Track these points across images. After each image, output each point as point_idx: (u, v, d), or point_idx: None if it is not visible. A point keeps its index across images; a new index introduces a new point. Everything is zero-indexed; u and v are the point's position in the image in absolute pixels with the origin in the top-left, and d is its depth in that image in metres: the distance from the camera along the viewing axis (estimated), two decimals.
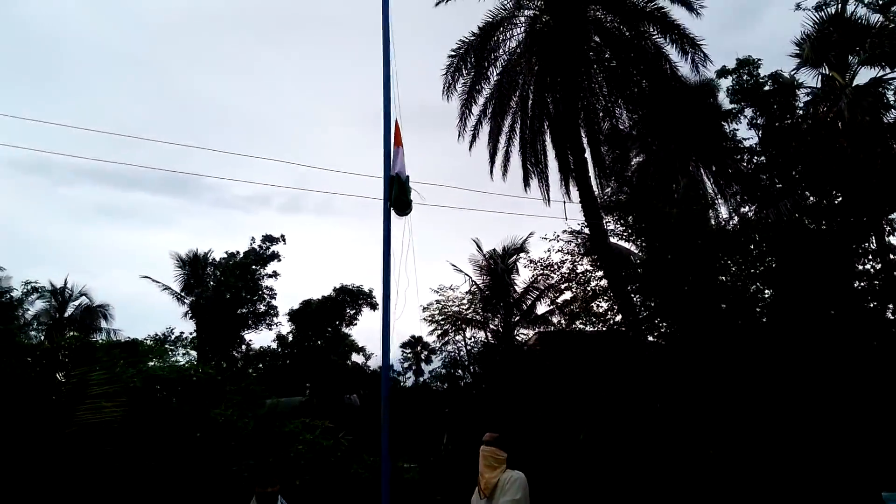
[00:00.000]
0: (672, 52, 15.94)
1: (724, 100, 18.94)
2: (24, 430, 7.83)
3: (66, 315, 28.37)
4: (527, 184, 17.37)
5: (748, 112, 17.89)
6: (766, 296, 16.05)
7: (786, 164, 16.57)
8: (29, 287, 26.03)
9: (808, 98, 16.24)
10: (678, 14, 16.00)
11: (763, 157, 18.34)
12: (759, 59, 17.26)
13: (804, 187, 16.17)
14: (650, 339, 17.81)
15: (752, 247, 16.00)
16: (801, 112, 16.68)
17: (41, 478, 7.63)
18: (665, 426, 14.68)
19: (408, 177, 6.69)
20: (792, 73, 16.64)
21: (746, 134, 23.14)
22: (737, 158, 20.43)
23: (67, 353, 9.38)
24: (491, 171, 17.57)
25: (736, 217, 18.18)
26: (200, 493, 9.16)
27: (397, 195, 6.55)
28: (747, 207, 18.23)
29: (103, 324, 29.11)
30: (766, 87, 17.14)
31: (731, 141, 19.86)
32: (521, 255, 28.72)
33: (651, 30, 16.12)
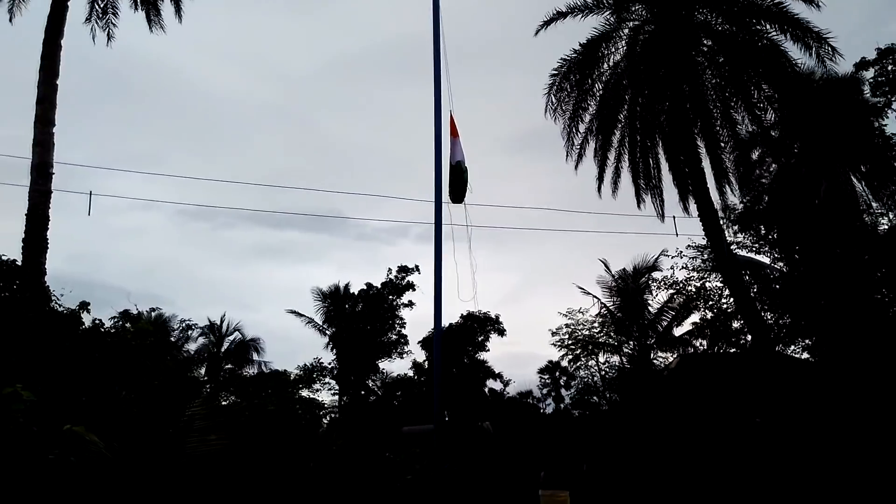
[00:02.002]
0: (793, 49, 14.67)
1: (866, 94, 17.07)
2: (151, 464, 8.48)
3: (222, 349, 30.91)
4: (639, 200, 16.60)
5: None
6: None
7: None
8: (184, 325, 28.71)
9: None
10: (797, 9, 14.75)
11: None
12: None
13: None
14: (802, 357, 16.21)
15: None
16: None
17: (163, 498, 8.24)
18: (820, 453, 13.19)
19: (466, 168, 6.84)
20: None
21: None
22: (892, 155, 18.26)
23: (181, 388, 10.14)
24: (599, 190, 16.99)
25: None
26: None
27: (461, 182, 6.69)
28: None
29: (255, 356, 31.32)
30: None
31: (880, 137, 17.80)
32: (654, 273, 27.39)
33: (767, 27, 14.93)
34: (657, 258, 26.54)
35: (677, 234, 16.98)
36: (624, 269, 29.17)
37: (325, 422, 25.78)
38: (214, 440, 8.81)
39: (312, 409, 12.57)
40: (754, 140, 15.98)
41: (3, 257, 13.39)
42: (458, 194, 6.74)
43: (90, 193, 11.38)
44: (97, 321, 15.83)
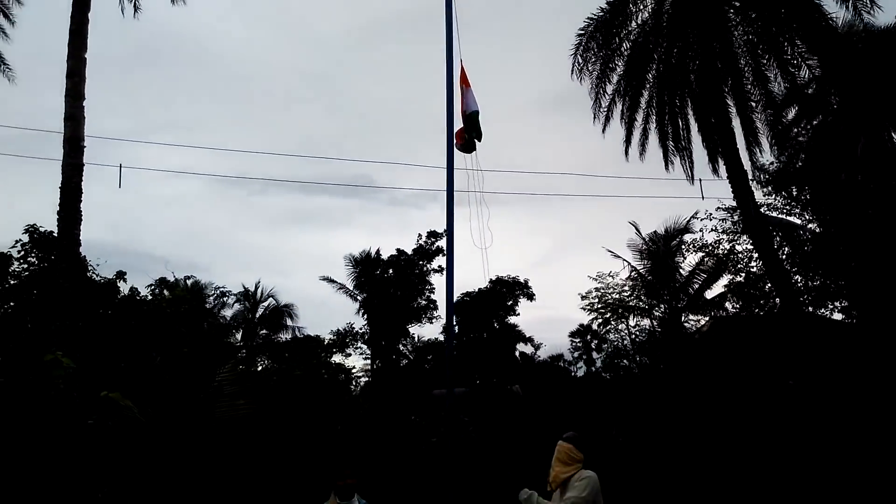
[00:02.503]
0: (828, 2, 14.09)
1: None
2: (181, 428, 8.79)
3: (257, 316, 31.58)
4: (667, 162, 16.28)
5: None
6: None
7: None
8: (218, 292, 29.37)
9: None
10: None
11: None
12: None
13: None
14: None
15: None
16: None
17: (193, 462, 8.58)
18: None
19: (477, 111, 6.78)
20: None
21: None
22: None
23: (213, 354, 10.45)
24: (626, 152, 16.69)
25: None
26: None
27: (477, 132, 6.67)
28: None
29: (289, 322, 31.94)
30: None
31: None
32: (686, 235, 27.00)
33: None
34: (689, 220, 26.12)
35: (703, 198, 16.67)
36: (655, 232, 28.79)
37: (359, 385, 26.32)
38: (243, 405, 9.11)
39: (340, 373, 12.83)
40: (789, 99, 15.47)
41: (42, 229, 13.86)
42: (470, 144, 6.70)
43: (120, 166, 11.67)
44: (133, 289, 16.32)
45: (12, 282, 13.74)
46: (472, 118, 6.68)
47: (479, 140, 6.75)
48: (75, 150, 11.92)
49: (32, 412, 9.74)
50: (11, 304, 13.59)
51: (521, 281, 29.62)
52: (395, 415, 12.05)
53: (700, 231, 22.24)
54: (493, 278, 29.46)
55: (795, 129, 17.41)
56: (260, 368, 12.47)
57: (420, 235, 32.83)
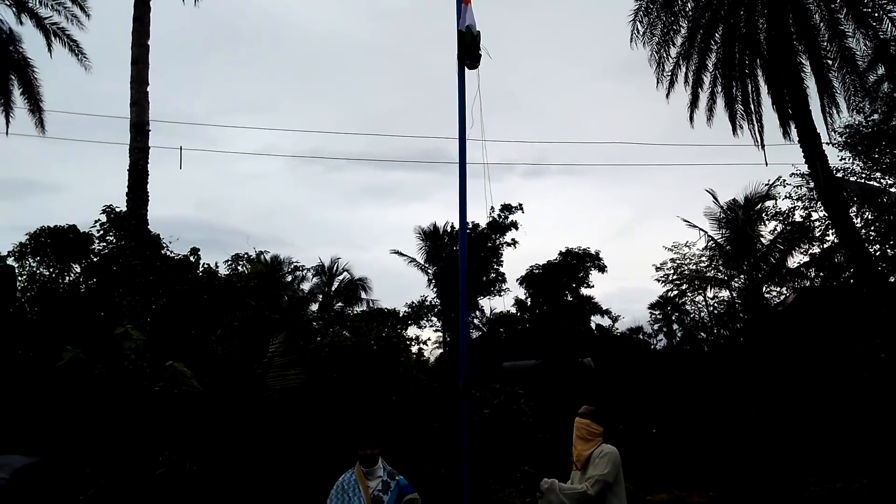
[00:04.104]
0: None
1: None
2: (237, 398, 9.25)
3: (332, 289, 32.55)
4: (735, 127, 15.40)
5: None
6: None
7: None
8: (293, 266, 30.45)
9: None
10: None
11: None
12: None
13: None
14: None
15: None
16: None
17: (245, 431, 9.05)
18: None
19: (478, 31, 6.70)
20: None
21: None
22: None
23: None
24: (691, 118, 15.91)
25: None
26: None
27: (469, 45, 6.61)
28: None
29: (363, 295, 32.76)
30: None
31: None
32: (767, 202, 25.72)
33: None
34: (771, 186, 24.88)
35: (767, 164, 15.70)
36: (734, 200, 27.62)
37: (428, 358, 26.72)
38: (293, 375, 9.46)
39: (398, 345, 13.11)
40: (876, 59, 14.24)
41: (118, 209, 14.80)
42: (473, 58, 6.63)
43: (180, 148, 12.21)
44: (206, 265, 17.23)
45: (94, 259, 14.80)
46: (468, 34, 6.61)
47: (476, 64, 6.66)
48: (141, 134, 12.55)
49: (106, 380, 10.51)
50: (94, 280, 14.65)
51: (593, 253, 29.06)
52: (453, 387, 12.19)
53: (775, 199, 21.09)
54: (563, 250, 29.12)
55: (887, 87, 16.13)
56: (319, 339, 12.87)
57: (493, 209, 32.74)
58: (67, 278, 14.91)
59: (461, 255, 6.11)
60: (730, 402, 13.31)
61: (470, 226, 33.07)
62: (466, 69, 6.76)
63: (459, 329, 6.08)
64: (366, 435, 5.84)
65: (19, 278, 14.61)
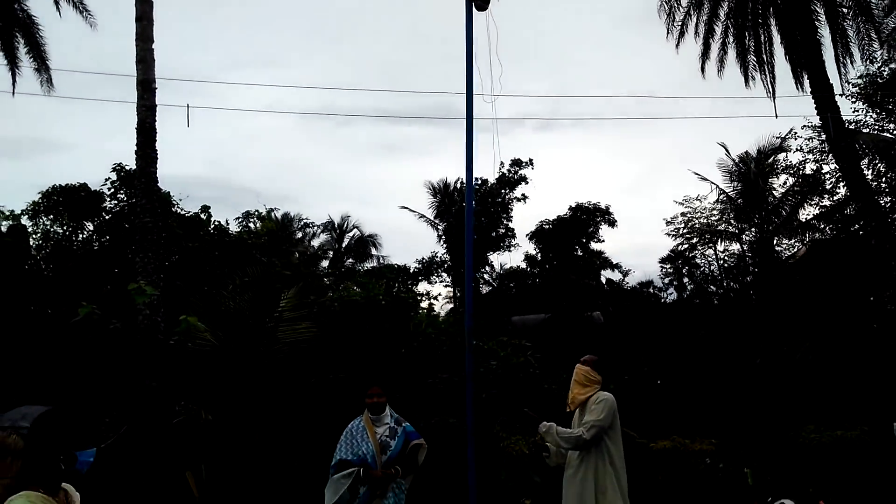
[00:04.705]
0: None
1: None
2: (249, 351, 9.49)
3: (343, 245, 32.81)
4: (747, 78, 15.14)
5: None
6: None
7: None
8: (302, 223, 30.66)
9: None
10: None
11: None
12: None
13: None
14: None
15: None
16: None
17: (257, 382, 9.32)
18: None
19: None
20: None
21: None
22: None
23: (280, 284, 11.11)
24: (703, 68, 15.65)
25: None
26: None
27: None
28: None
29: (373, 251, 33.02)
30: None
31: None
32: (780, 155, 25.47)
33: None
34: (784, 139, 24.60)
35: (777, 116, 15.50)
36: (746, 153, 27.37)
37: (439, 313, 27.02)
38: (303, 329, 9.68)
39: (406, 300, 13.30)
40: (892, 7, 13.88)
41: (127, 167, 14.92)
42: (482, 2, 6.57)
43: (188, 106, 12.21)
44: (217, 223, 17.41)
45: (106, 217, 15.00)
46: None
47: (485, 5, 6.59)
48: (147, 92, 12.55)
49: (122, 335, 10.79)
50: (107, 237, 14.88)
51: (603, 207, 28.98)
52: (461, 340, 12.38)
53: (787, 151, 20.89)
54: (573, 205, 29.06)
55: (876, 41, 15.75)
56: (330, 294, 13.08)
57: (503, 164, 32.60)
58: (81, 236, 15.15)
59: (467, 210, 6.20)
60: (735, 353, 13.47)
61: (479, 181, 32.98)
62: (475, 11, 6.66)
63: (465, 282, 6.18)
64: (373, 384, 6.02)
65: (33, 236, 14.86)
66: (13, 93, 15.67)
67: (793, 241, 25.18)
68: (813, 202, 19.47)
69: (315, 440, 9.25)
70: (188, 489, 9.20)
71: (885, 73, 16.25)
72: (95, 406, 9.87)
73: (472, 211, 6.54)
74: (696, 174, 25.66)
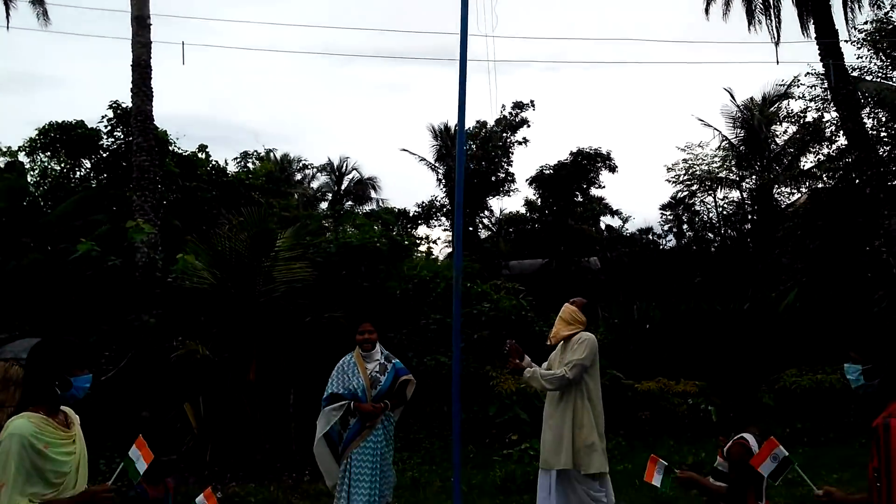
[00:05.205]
0: None
1: None
2: (246, 290, 9.66)
3: (342, 188, 32.73)
4: (751, 22, 14.83)
5: None
6: None
7: None
8: (301, 165, 30.51)
9: None
10: None
11: None
12: None
13: None
14: None
15: None
16: None
17: (253, 319, 9.53)
18: None
19: None
20: None
21: None
22: None
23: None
24: (706, 10, 15.32)
25: None
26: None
27: None
28: None
29: (373, 194, 32.97)
30: None
31: None
32: (786, 102, 25.16)
33: None
34: (788, 86, 24.26)
35: (778, 62, 15.27)
36: (751, 99, 27.06)
37: (437, 256, 27.19)
38: (298, 268, 9.82)
39: (401, 243, 13.43)
40: None
41: (124, 105, 14.79)
42: None
43: (182, 43, 12.04)
44: (215, 162, 17.38)
45: (104, 155, 14.99)
46: None
47: None
48: (142, 28, 12.35)
49: (120, 272, 10.96)
50: (104, 175, 14.90)
51: (604, 153, 28.76)
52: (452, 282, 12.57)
53: (792, 98, 20.65)
54: (574, 150, 28.83)
55: None
56: (327, 236, 13.21)
57: (504, 106, 32.19)
58: (79, 173, 15.16)
59: (458, 151, 6.22)
60: (727, 300, 13.66)
61: (478, 124, 32.59)
62: None
63: (455, 226, 6.26)
64: (365, 322, 6.17)
65: (31, 173, 14.89)
66: (7, 27, 15.45)
67: (792, 189, 25.15)
68: (813, 150, 19.34)
69: (309, 376, 9.54)
70: (187, 421, 9.53)
71: (894, 19, 15.93)
72: (96, 340, 10.12)
73: (463, 153, 6.57)
74: (700, 120, 25.46)
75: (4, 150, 14.96)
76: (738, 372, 10.24)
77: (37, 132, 14.84)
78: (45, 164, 15.32)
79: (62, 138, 14.64)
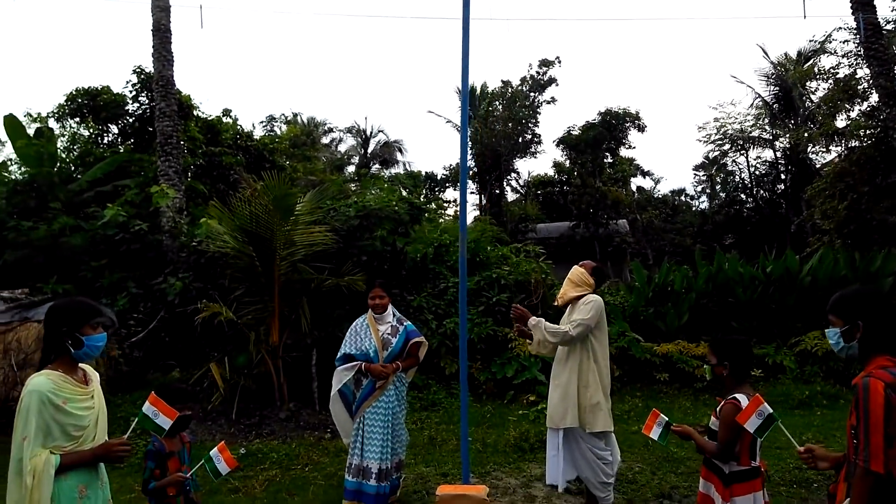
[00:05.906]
0: None
1: None
2: (267, 254, 9.81)
3: (368, 151, 32.75)
4: None
5: None
6: None
7: None
8: (325, 128, 30.54)
9: None
10: None
11: None
12: None
13: None
14: None
15: None
16: None
17: (273, 283, 9.70)
18: None
19: None
20: None
21: None
22: None
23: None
24: None
25: None
26: (398, 304, 10.72)
27: None
28: None
29: (399, 157, 32.94)
30: None
31: None
32: (821, 57, 24.32)
33: None
34: (825, 39, 23.41)
35: (805, 16, 14.66)
36: (785, 54, 26.24)
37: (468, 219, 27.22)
38: (317, 232, 9.94)
39: (421, 207, 13.46)
40: None
41: (147, 70, 14.93)
42: None
43: (200, 7, 12.01)
44: (240, 126, 17.51)
45: (130, 120, 15.20)
46: None
47: None
48: None
49: (146, 235, 11.22)
50: (131, 141, 15.13)
51: (633, 112, 28.23)
52: (476, 245, 12.63)
53: (827, 54, 19.93)
54: (602, 110, 28.36)
55: None
56: (349, 199, 13.29)
57: (531, 65, 31.72)
58: (107, 139, 15.43)
59: (462, 111, 6.16)
60: (751, 261, 13.46)
61: (500, 84, 32.12)
62: None
63: (459, 196, 6.24)
64: (375, 287, 6.26)
65: (61, 139, 15.19)
66: None
67: (824, 148, 24.43)
68: (847, 108, 18.69)
69: (330, 338, 9.72)
70: (213, 381, 9.82)
71: None
72: (126, 302, 10.43)
73: (466, 118, 6.50)
74: (733, 76, 24.87)
75: (35, 116, 15.28)
76: (744, 332, 10.17)
77: (65, 98, 15.10)
78: (75, 130, 15.61)
79: (89, 104, 14.87)
